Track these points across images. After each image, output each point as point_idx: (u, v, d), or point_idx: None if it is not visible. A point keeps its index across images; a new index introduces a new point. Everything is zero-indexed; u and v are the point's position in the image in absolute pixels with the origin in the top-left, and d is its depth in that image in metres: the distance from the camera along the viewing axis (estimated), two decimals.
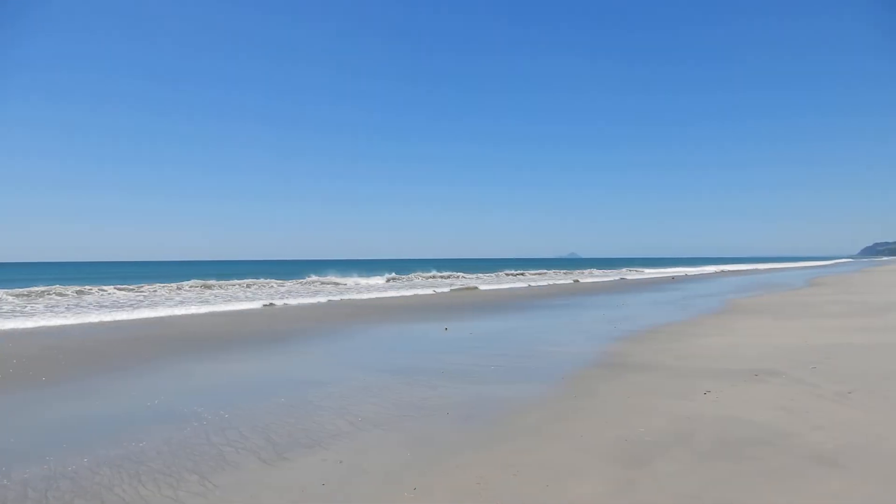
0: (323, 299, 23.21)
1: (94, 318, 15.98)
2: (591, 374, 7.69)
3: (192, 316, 17.18)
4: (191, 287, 28.57)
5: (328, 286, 32.67)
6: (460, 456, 4.60)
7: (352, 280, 36.26)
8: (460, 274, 46.26)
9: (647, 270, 62.12)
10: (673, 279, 42.14)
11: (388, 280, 37.92)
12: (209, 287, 28.81)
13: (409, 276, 41.50)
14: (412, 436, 5.16)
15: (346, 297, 24.71)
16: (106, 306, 19.85)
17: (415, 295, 26.47)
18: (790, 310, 15.67)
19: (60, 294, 23.87)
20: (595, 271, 56.92)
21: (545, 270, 55.67)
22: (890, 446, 4.49)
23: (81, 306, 19.88)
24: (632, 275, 51.40)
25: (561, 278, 43.72)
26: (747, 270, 61.63)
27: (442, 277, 41.29)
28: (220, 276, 35.48)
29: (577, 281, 40.31)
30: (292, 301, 22.19)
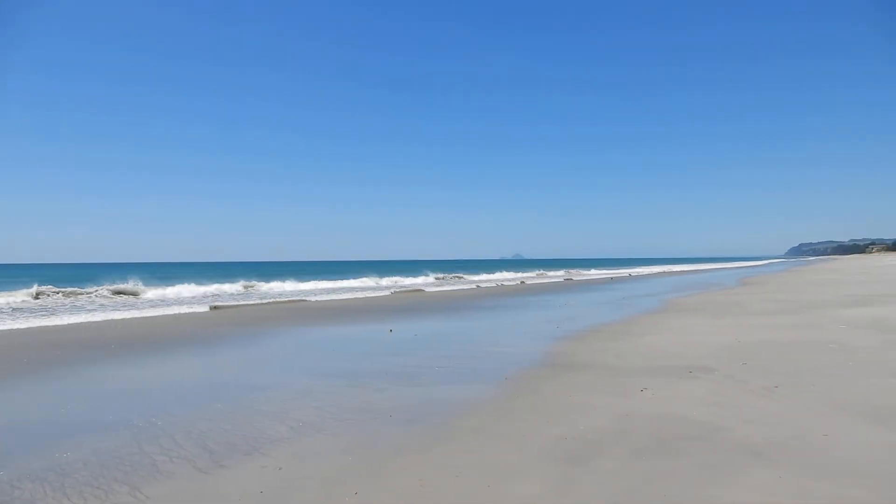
0: (265, 301, 22.80)
1: (7, 325, 15.03)
2: (533, 374, 7.79)
3: (127, 320, 16.46)
4: (129, 291, 27.17)
5: (265, 289, 31.93)
6: (402, 458, 4.56)
7: (290, 283, 35.27)
8: (408, 278, 45.83)
9: (591, 271, 63.80)
10: (612, 279, 43.32)
11: (329, 283, 37.30)
12: (133, 293, 26.18)
13: (362, 279, 40.72)
14: (354, 439, 5.09)
15: (287, 299, 24.30)
16: (25, 309, 18.79)
17: (363, 297, 26.22)
18: (723, 308, 16.35)
19: None
20: (538, 272, 57.98)
21: (494, 272, 56.15)
22: (813, 438, 4.73)
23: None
24: (577, 276, 52.57)
25: (507, 279, 44.26)
26: (686, 271, 64.13)
27: (376, 280, 40.65)
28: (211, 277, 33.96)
29: (523, 282, 40.89)
30: (233, 303, 21.71)
